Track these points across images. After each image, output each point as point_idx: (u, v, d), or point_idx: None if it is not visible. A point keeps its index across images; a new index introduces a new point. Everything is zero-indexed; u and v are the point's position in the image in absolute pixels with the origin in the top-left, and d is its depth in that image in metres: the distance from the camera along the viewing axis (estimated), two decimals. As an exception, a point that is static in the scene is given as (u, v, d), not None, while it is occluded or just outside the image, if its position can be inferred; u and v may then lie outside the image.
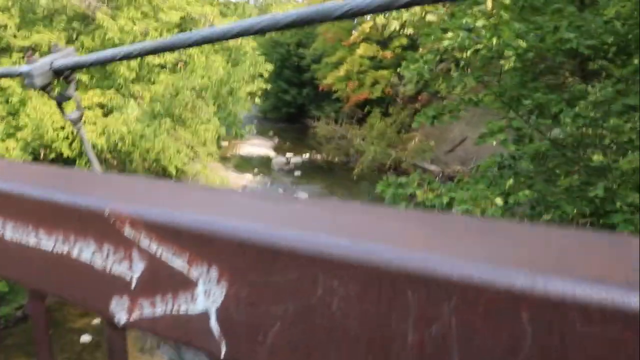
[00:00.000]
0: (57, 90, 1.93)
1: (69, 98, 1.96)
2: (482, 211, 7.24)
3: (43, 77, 1.57)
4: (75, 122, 2.06)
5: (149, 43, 0.87)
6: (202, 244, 0.50)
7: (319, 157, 32.91)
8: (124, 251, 0.57)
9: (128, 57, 0.95)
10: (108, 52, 0.91)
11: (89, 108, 15.21)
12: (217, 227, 0.50)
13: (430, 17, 7.78)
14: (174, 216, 0.53)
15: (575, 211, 7.80)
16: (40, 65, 1.55)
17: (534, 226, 0.45)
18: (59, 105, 2.06)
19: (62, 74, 1.64)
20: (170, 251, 0.53)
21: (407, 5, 0.66)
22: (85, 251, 0.61)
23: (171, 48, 0.84)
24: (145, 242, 0.55)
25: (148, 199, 0.61)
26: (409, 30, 10.94)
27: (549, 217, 8.41)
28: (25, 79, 1.66)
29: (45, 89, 1.72)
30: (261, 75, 20.25)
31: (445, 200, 7.43)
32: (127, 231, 0.56)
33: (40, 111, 14.15)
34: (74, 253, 0.62)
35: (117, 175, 0.89)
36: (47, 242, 0.65)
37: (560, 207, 7.49)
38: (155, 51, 0.85)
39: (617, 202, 6.58)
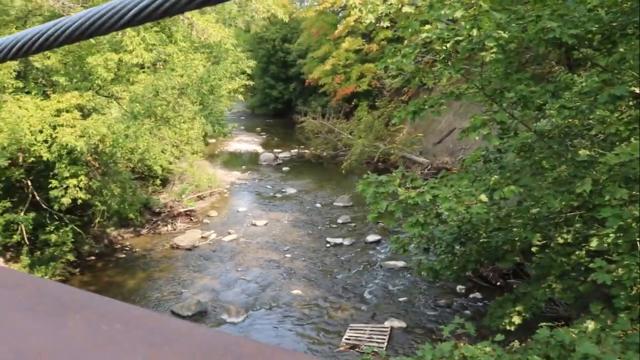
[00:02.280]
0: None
1: None
2: (467, 208, 7.00)
3: None
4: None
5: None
6: None
7: (307, 151, 32.65)
8: None
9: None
10: None
11: (68, 110, 14.83)
12: None
13: (407, 9, 7.50)
14: None
15: (563, 204, 7.59)
16: None
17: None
18: None
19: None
20: None
21: None
22: None
23: None
24: None
25: None
26: (385, 24, 10.62)
27: (536, 212, 8.20)
28: None
29: None
30: (244, 72, 19.90)
31: (428, 197, 7.18)
32: None
33: (16, 114, 13.76)
34: None
35: None
36: None
37: (547, 202, 7.27)
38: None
39: (605, 195, 6.36)
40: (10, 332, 0.47)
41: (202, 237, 19.41)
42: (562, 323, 7.78)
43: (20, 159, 15.42)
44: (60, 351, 0.44)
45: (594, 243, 6.84)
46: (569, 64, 10.33)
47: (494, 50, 7.61)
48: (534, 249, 9.48)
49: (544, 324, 6.30)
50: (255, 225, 20.80)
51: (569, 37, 6.95)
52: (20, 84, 15.03)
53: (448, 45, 7.48)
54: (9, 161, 14.56)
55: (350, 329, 12.83)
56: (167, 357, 0.44)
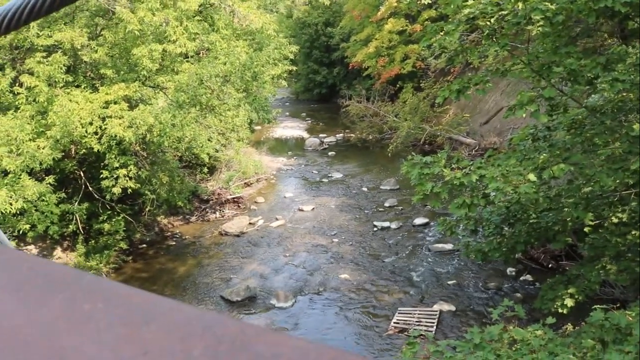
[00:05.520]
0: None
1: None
2: (515, 188, 6.79)
3: None
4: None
5: None
6: None
7: (352, 136, 32.49)
8: None
9: None
10: None
11: (115, 102, 15.15)
12: None
13: (449, -15, 7.29)
14: None
15: (617, 182, 7.29)
16: None
17: None
18: None
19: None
20: None
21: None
22: None
23: None
24: None
25: None
26: (426, 0, 10.33)
27: (588, 190, 7.92)
28: None
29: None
30: (287, 58, 19.87)
31: (474, 178, 7.00)
32: None
33: (67, 108, 14.13)
34: None
35: None
36: None
37: (600, 180, 6.99)
38: None
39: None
40: None
41: (249, 224, 19.62)
42: (618, 306, 7.51)
43: (73, 151, 15.89)
44: (35, 331, 0.44)
45: (650, 221, 6.54)
46: (622, 35, 9.88)
47: (541, 23, 7.32)
48: (586, 229, 9.15)
49: (598, 306, 6.08)
50: (302, 210, 20.89)
51: (622, 6, 6.62)
52: (70, 78, 15.43)
53: (492, 20, 7.24)
54: (62, 153, 14.99)
55: (399, 313, 12.77)
56: (143, 337, 0.43)
